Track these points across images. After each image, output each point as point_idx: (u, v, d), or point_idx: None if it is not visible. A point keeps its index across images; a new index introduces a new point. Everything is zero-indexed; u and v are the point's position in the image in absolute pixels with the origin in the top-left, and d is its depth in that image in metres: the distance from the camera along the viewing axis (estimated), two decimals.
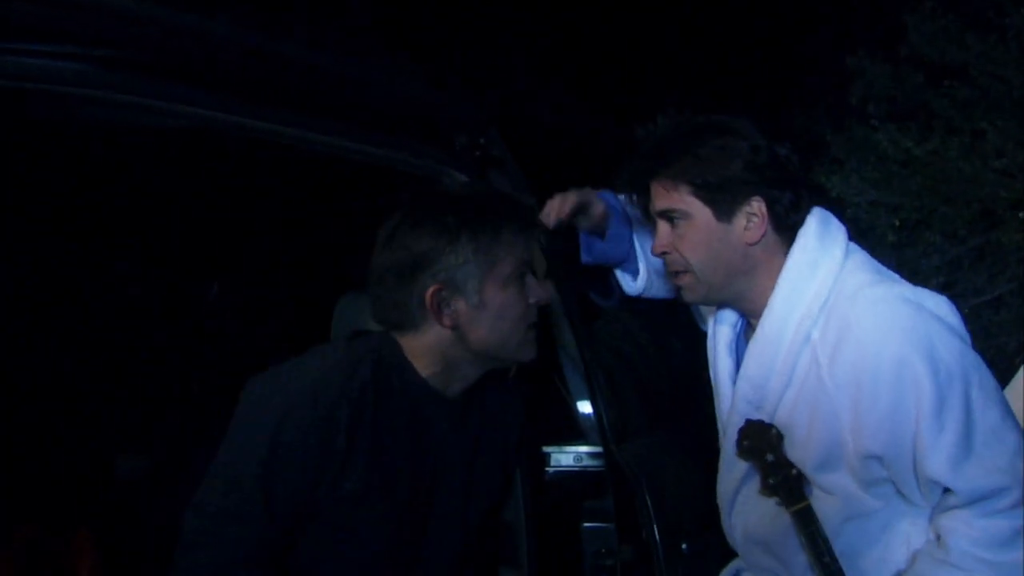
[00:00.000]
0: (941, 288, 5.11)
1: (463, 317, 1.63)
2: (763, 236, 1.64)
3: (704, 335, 1.94)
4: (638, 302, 2.10)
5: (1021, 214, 5.24)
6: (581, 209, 1.94)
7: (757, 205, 1.63)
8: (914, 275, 4.97)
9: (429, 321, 1.64)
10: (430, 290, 1.61)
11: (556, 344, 2.19)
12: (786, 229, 1.66)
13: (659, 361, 2.89)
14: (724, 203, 1.63)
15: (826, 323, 1.59)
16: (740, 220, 1.64)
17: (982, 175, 5.16)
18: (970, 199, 5.22)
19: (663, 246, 1.70)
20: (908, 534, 1.62)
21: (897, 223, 5.19)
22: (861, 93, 5.57)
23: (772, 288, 1.65)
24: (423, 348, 1.66)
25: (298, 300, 3.34)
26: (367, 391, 1.59)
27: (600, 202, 1.93)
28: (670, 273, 1.74)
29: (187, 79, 1.73)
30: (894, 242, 5.17)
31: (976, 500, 1.52)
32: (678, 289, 1.75)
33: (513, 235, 1.66)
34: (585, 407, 2.18)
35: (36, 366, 2.88)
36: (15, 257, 2.90)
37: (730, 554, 2.06)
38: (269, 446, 1.51)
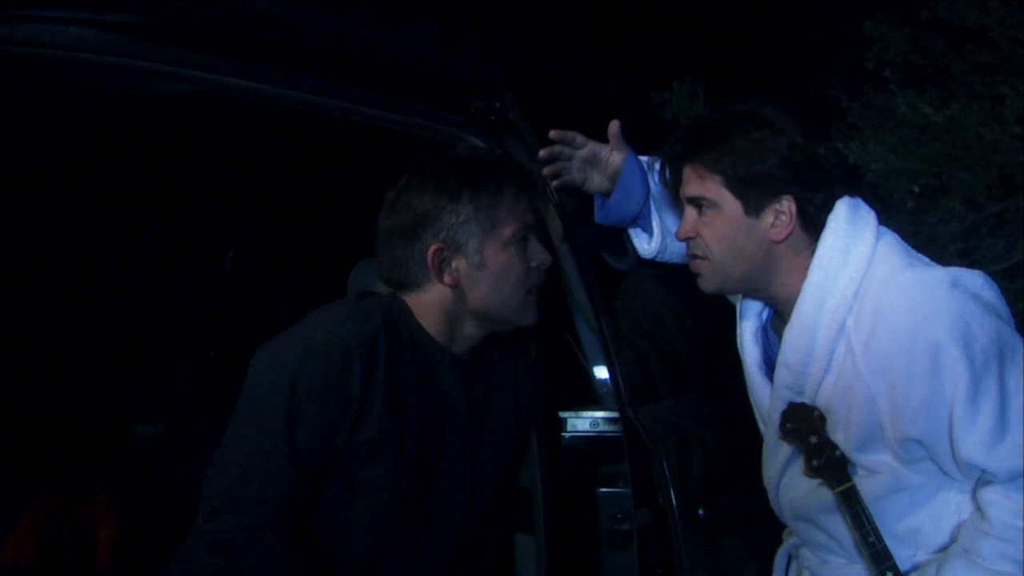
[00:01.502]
0: (958, 255, 5.08)
1: (464, 276, 1.68)
2: (789, 235, 1.63)
3: (732, 307, 1.95)
4: (655, 267, 2.09)
5: None
6: (591, 161, 1.95)
7: (787, 204, 1.62)
8: (932, 242, 4.93)
9: (431, 280, 1.69)
10: (432, 249, 1.66)
11: (572, 308, 2.19)
12: (815, 228, 1.65)
13: (677, 329, 2.88)
14: (754, 198, 1.62)
15: (860, 310, 1.59)
16: (768, 217, 1.63)
17: (1002, 141, 5.09)
18: (989, 165, 5.16)
19: (688, 231, 1.70)
20: (958, 503, 1.62)
21: (915, 189, 5.14)
22: (879, 58, 5.50)
23: (797, 283, 1.65)
24: (427, 307, 1.71)
25: (313, 266, 3.35)
26: (379, 340, 1.61)
27: (617, 155, 1.93)
28: (690, 256, 1.74)
29: (199, 44, 1.73)
30: (912, 208, 5.11)
31: (1014, 478, 1.53)
32: (695, 276, 1.75)
33: (514, 196, 1.71)
34: (602, 372, 2.18)
35: (55, 335, 2.90)
36: (33, 227, 2.90)
37: (751, 520, 2.07)
38: (289, 398, 1.53)
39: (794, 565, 1.90)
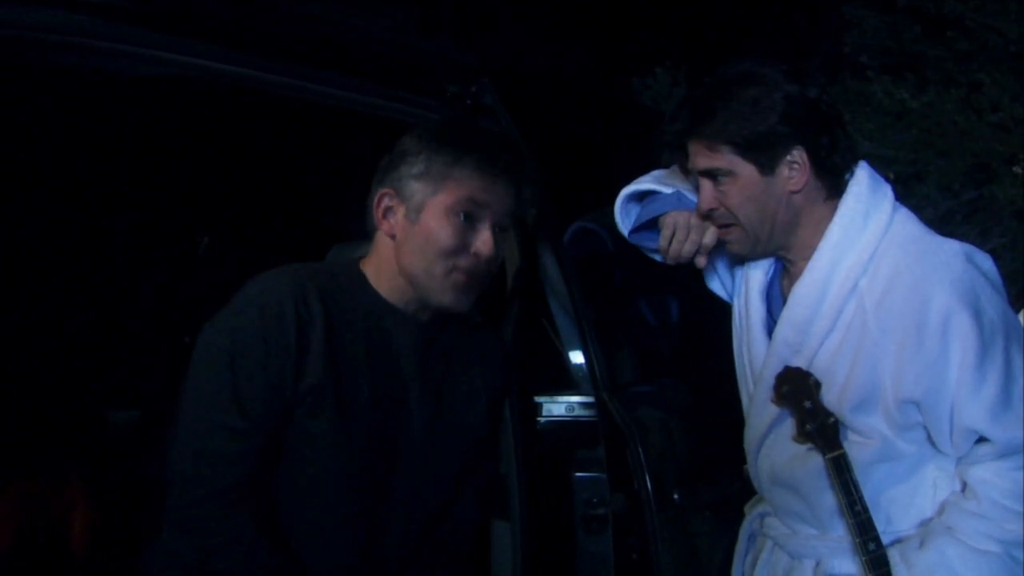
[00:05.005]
0: None
1: (399, 228, 1.68)
2: (806, 183, 1.66)
3: (711, 292, 1.97)
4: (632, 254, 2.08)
5: (1015, 168, 5.22)
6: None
7: (798, 154, 1.64)
8: None
9: (379, 226, 1.70)
10: (379, 193, 1.69)
11: (548, 293, 2.19)
12: (828, 173, 1.67)
13: (652, 314, 2.89)
14: (766, 157, 1.64)
15: (875, 271, 1.62)
16: (783, 171, 1.65)
17: (977, 129, 5.13)
18: (965, 153, 5.20)
19: (709, 204, 1.70)
20: (935, 479, 1.66)
21: (891, 176, 5.17)
22: (856, 44, 5.52)
23: (814, 234, 1.68)
24: (379, 258, 1.72)
25: (288, 252, 3.33)
26: (311, 293, 1.62)
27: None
28: (717, 227, 1.75)
29: (173, 26, 1.71)
30: None
31: (1010, 452, 1.57)
32: (726, 242, 1.75)
33: (470, 169, 1.65)
34: (577, 357, 2.18)
35: (27, 322, 2.88)
36: (5, 211, 2.88)
37: (723, 503, 2.08)
38: (230, 354, 1.56)
39: (754, 544, 1.90)
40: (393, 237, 1.69)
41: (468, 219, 1.66)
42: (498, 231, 1.69)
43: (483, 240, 1.66)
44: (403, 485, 1.72)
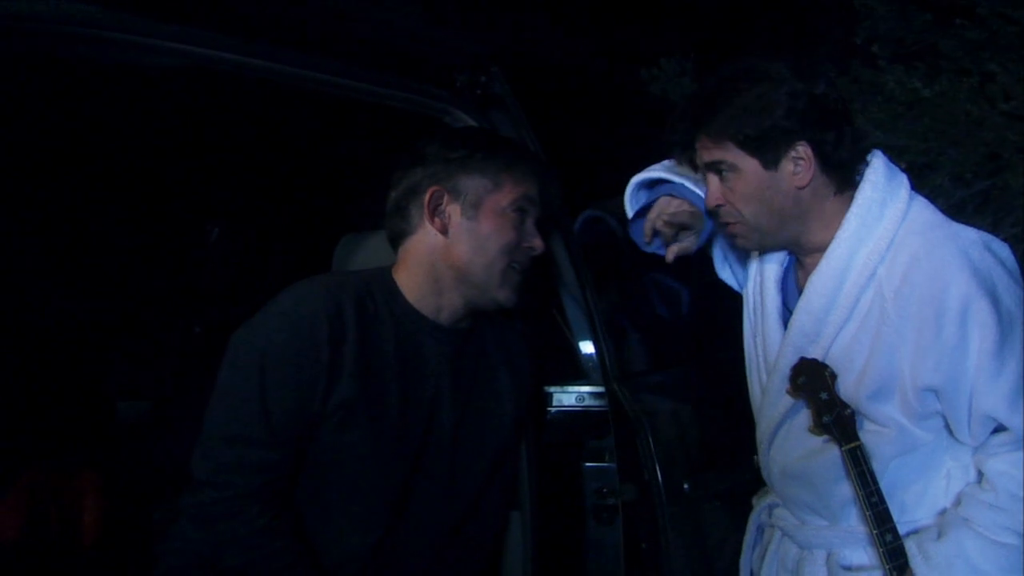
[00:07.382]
0: None
1: (453, 224, 1.71)
2: (812, 178, 1.66)
3: (720, 282, 1.98)
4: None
5: None
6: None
7: (803, 149, 1.64)
8: None
9: (423, 223, 1.72)
10: (430, 190, 1.71)
11: (559, 284, 2.19)
12: (834, 168, 1.67)
13: (663, 305, 2.89)
14: (769, 152, 1.64)
15: (893, 259, 1.63)
16: (787, 166, 1.65)
17: (990, 118, 5.09)
18: (977, 142, 5.16)
19: (716, 199, 1.71)
20: (949, 469, 1.66)
21: (903, 166, 5.16)
22: (867, 33, 5.48)
23: (825, 228, 1.68)
24: (413, 258, 1.73)
25: (298, 243, 3.33)
26: (346, 308, 1.63)
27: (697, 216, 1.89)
28: (722, 224, 1.75)
29: (181, 16, 1.71)
30: None
31: None
32: (732, 237, 1.76)
33: (523, 173, 1.74)
34: (587, 347, 2.18)
35: (38, 311, 2.88)
36: (16, 201, 2.88)
37: (733, 493, 2.07)
38: (261, 366, 1.57)
39: (762, 535, 1.90)
40: (443, 233, 1.71)
41: (521, 215, 1.73)
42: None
43: (536, 238, 1.76)
44: (429, 492, 1.73)
